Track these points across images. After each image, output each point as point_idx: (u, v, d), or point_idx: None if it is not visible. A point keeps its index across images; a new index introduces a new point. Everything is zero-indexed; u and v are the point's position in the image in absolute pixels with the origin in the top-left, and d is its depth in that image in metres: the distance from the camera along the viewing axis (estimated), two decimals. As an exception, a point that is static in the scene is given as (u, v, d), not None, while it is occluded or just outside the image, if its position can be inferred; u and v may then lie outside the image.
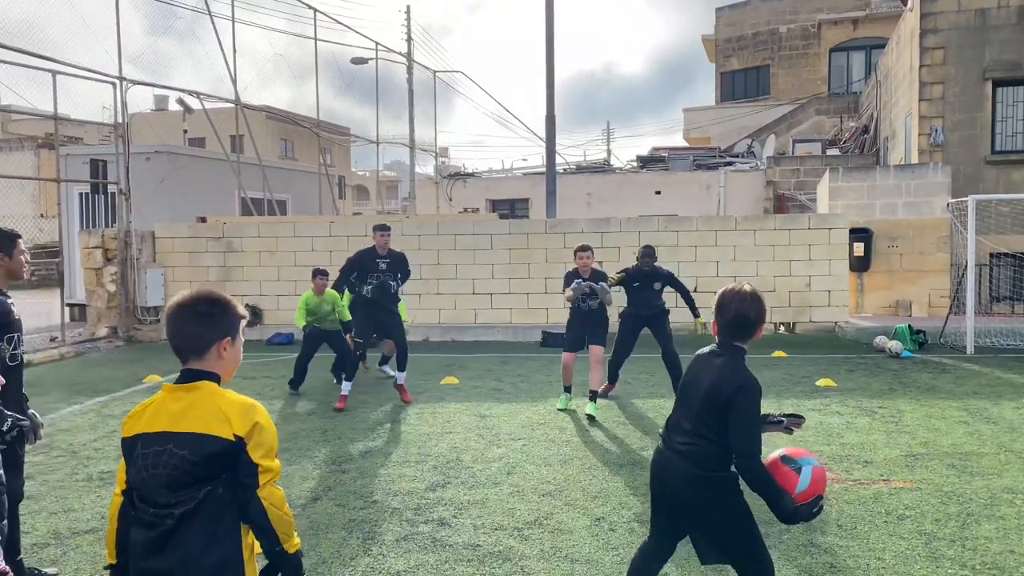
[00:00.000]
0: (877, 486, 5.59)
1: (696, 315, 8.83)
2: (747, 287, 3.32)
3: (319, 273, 9.28)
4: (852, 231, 14.57)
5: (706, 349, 3.33)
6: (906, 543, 4.60)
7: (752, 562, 3.16)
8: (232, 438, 2.20)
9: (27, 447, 4.07)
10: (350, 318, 9.11)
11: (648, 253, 8.70)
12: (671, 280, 8.72)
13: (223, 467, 2.21)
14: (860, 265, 14.95)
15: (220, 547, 2.20)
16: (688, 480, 3.15)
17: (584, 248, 8.16)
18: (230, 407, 2.25)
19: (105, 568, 2.43)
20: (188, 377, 2.34)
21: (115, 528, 2.31)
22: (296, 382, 9.35)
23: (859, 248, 14.79)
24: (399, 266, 8.69)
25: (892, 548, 4.53)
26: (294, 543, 2.33)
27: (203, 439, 2.20)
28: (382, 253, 8.63)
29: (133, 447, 2.27)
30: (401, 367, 8.75)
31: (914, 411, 7.95)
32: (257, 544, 2.34)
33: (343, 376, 8.76)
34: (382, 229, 8.70)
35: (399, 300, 9.00)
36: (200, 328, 2.33)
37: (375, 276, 8.49)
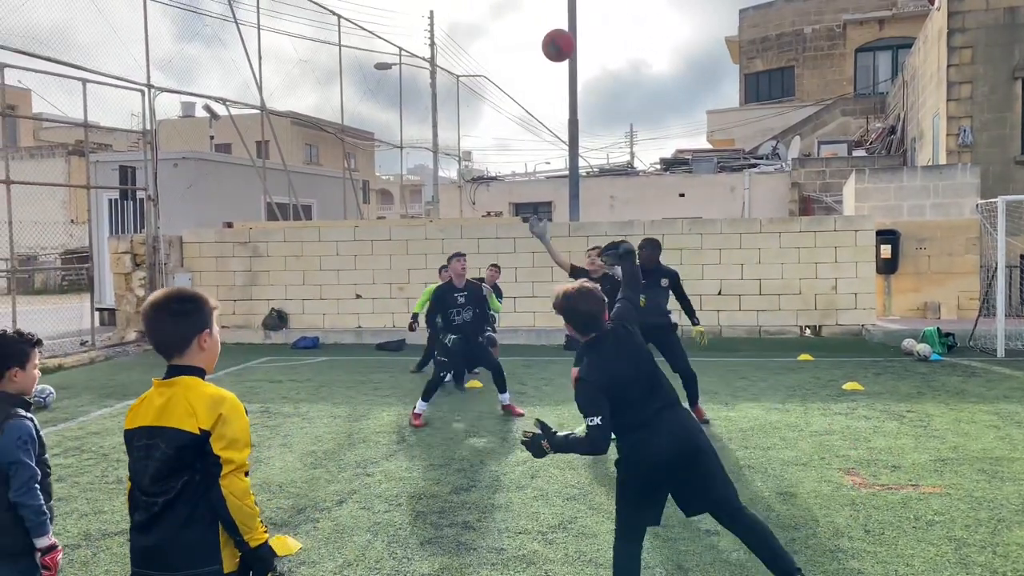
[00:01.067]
0: (905, 491, 5.53)
1: (695, 323, 8.01)
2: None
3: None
4: (879, 233, 14.42)
5: None
6: (935, 549, 4.54)
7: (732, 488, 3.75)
8: (197, 431, 2.34)
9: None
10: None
11: (646, 246, 7.65)
12: (677, 281, 7.91)
13: (195, 458, 2.37)
14: (887, 267, 14.78)
15: (196, 529, 2.37)
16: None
17: (458, 255, 8.35)
18: (199, 401, 2.38)
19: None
20: (171, 373, 2.48)
21: (129, 511, 2.52)
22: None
23: (886, 250, 14.63)
24: (476, 300, 8.23)
25: (921, 554, 4.48)
26: (257, 536, 2.41)
27: (176, 433, 2.36)
28: (459, 285, 8.16)
29: (131, 440, 2.46)
30: (502, 389, 8.23)
31: (943, 415, 7.85)
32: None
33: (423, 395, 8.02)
34: (458, 256, 8.27)
35: (486, 330, 8.84)
36: (178, 326, 2.46)
37: (455, 312, 8.09)
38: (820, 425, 7.52)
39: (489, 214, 20.97)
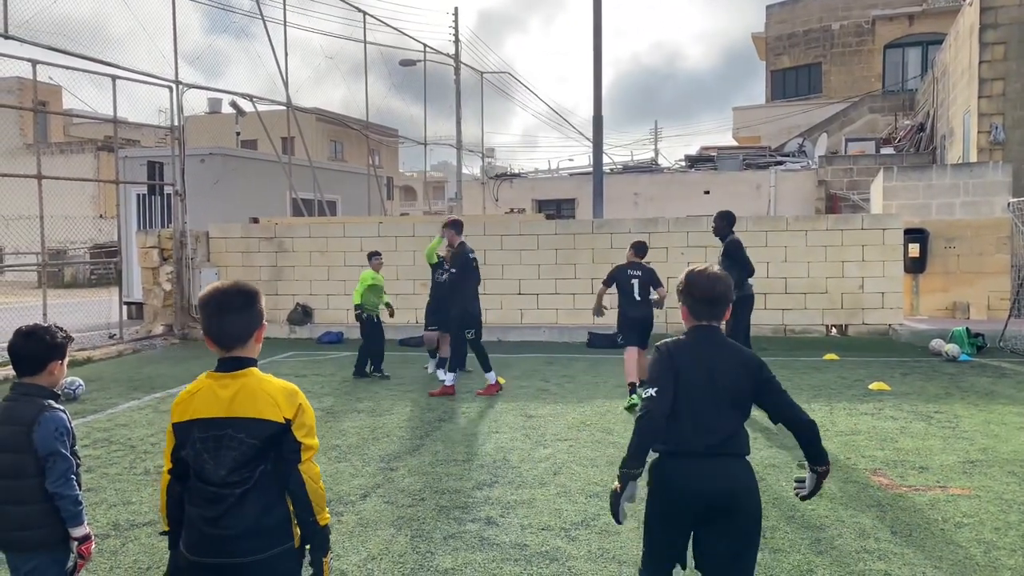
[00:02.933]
0: (933, 492, 5.46)
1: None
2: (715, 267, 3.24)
3: (376, 254, 10.58)
4: (907, 231, 14.23)
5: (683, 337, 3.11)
6: (964, 551, 4.49)
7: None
8: (282, 421, 2.41)
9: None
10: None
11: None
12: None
13: (274, 446, 2.43)
14: (915, 266, 14.59)
15: (274, 514, 2.44)
16: (746, 479, 2.94)
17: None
18: (277, 392, 2.45)
19: (161, 534, 2.68)
20: (233, 365, 2.50)
21: (165, 502, 2.56)
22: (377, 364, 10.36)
23: (914, 249, 14.44)
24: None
25: (949, 556, 4.42)
26: (325, 516, 2.51)
27: (259, 423, 2.40)
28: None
29: (188, 431, 2.45)
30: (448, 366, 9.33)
31: (972, 416, 7.74)
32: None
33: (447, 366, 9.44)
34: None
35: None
36: (242, 319, 2.51)
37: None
38: (846, 425, 7.44)
39: (512, 211, 20.96)
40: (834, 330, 14.00)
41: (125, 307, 15.67)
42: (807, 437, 3.02)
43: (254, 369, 2.51)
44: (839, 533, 4.76)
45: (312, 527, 2.49)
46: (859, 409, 8.09)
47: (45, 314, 11.85)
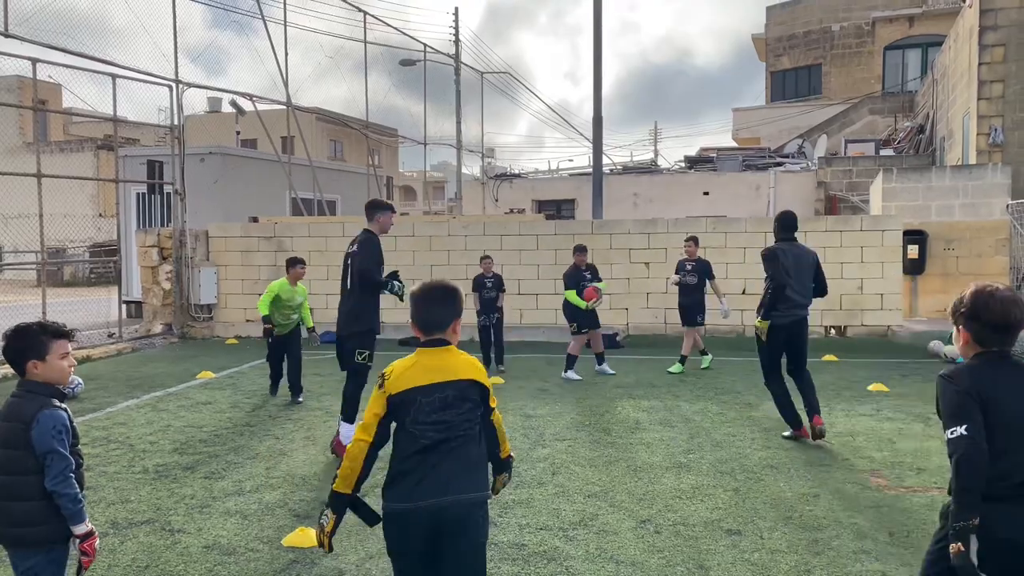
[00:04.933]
0: (931, 493, 5.47)
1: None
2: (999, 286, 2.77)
3: (297, 262, 9.26)
4: (906, 233, 14.25)
5: (975, 362, 2.71)
6: (961, 553, 4.49)
7: None
8: (487, 384, 3.02)
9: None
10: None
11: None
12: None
13: (482, 402, 3.00)
14: (914, 268, 14.61)
15: (484, 451, 3.03)
16: None
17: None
18: (474, 363, 3.03)
19: (335, 501, 3.01)
20: (440, 343, 3.03)
21: (359, 468, 2.98)
22: (275, 387, 9.24)
23: (913, 251, 14.46)
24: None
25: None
26: (508, 448, 3.23)
27: (474, 384, 2.96)
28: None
29: (411, 398, 2.89)
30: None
31: (970, 418, 7.74)
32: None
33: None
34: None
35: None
36: (446, 309, 3.06)
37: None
38: (844, 426, 7.45)
39: (512, 211, 20.97)
40: (833, 331, 14.01)
41: (124, 306, 15.68)
42: None
43: (452, 347, 3.03)
44: (836, 534, 4.77)
45: (501, 459, 3.19)
46: (858, 410, 8.10)
47: (44, 312, 11.85)
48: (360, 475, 2.99)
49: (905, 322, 14.04)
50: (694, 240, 11.18)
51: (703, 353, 10.95)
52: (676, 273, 11.17)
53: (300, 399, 8.94)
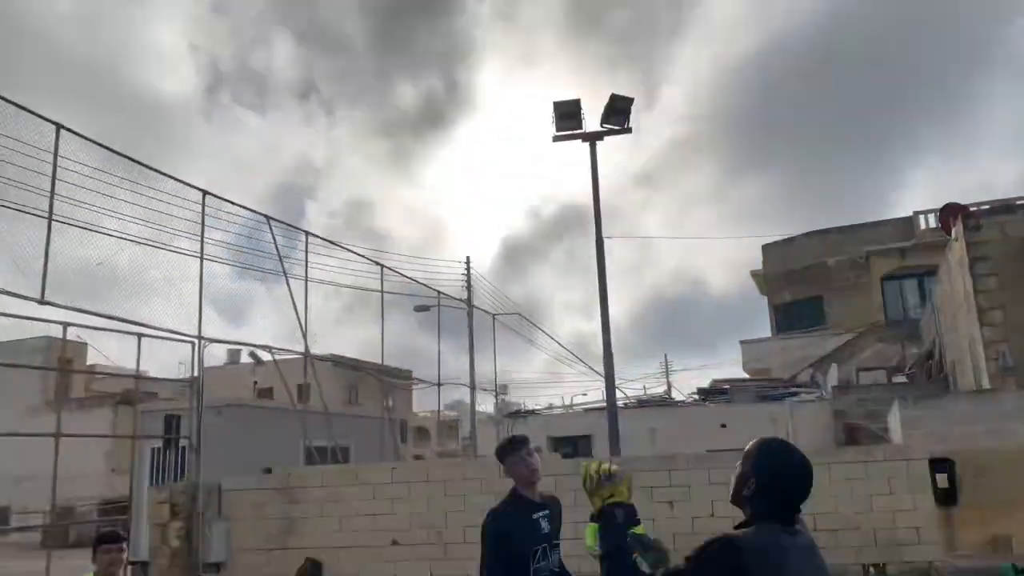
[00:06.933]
0: None
1: None
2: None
3: (108, 540, 5.54)
4: (933, 461, 13.90)
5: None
6: None
7: None
8: None
9: None
10: None
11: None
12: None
13: None
14: (947, 498, 14.09)
15: None
16: None
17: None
18: None
19: None
20: None
21: None
22: None
23: (942, 479, 14.03)
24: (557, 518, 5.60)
25: None
26: None
27: None
28: (535, 498, 5.31)
29: None
30: None
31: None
32: None
33: None
34: (522, 446, 5.31)
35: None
36: None
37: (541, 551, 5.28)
38: None
39: (528, 451, 20.70)
40: (872, 569, 13.24)
41: (130, 567, 15.09)
42: None
43: None
44: None
45: None
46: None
47: (47, 578, 11.39)
48: None
49: (946, 556, 13.29)
50: None
51: None
52: None
53: None
